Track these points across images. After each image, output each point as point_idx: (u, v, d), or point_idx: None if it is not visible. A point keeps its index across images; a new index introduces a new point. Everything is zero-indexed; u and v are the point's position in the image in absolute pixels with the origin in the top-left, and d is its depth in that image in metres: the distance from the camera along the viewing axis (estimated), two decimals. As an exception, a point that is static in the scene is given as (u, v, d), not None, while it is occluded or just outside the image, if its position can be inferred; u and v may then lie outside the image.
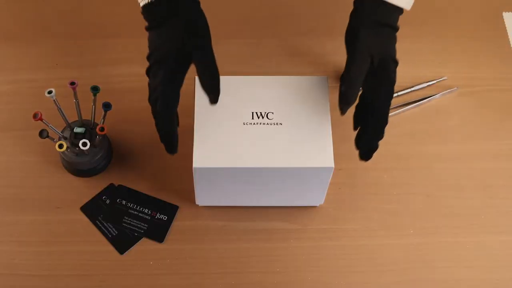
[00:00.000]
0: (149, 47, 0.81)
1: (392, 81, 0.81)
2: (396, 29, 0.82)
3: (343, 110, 0.80)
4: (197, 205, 0.93)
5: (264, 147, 0.81)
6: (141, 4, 0.79)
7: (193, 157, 0.80)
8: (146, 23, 0.81)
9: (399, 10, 0.82)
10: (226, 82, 0.83)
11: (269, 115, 0.83)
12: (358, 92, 0.81)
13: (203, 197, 0.89)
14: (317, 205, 0.92)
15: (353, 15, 0.83)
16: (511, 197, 0.96)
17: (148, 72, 0.81)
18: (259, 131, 0.82)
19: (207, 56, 0.79)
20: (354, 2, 0.83)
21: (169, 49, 0.78)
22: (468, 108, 1.03)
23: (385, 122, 0.81)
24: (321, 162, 0.81)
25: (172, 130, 0.80)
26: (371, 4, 0.81)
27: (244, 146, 0.81)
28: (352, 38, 0.82)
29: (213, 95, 0.79)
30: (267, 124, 0.82)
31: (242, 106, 0.84)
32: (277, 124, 0.82)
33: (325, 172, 0.82)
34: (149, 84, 0.81)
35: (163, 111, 0.79)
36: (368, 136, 0.81)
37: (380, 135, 0.81)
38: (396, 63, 0.82)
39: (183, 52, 0.78)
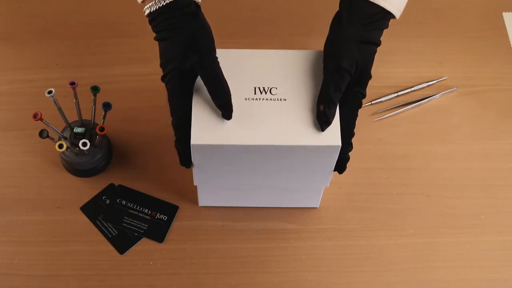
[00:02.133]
0: (159, 57, 0.79)
1: (363, 95, 0.80)
2: (379, 45, 0.80)
3: (323, 130, 0.76)
4: (197, 205, 0.92)
5: (267, 124, 0.76)
6: (145, 14, 0.78)
7: (191, 133, 0.76)
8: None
9: (386, 21, 0.79)
10: (227, 55, 0.79)
11: (273, 91, 0.78)
12: (336, 109, 0.77)
13: (200, 179, 0.85)
14: (322, 188, 0.88)
15: (336, 26, 0.79)
16: (511, 197, 0.96)
17: (162, 80, 0.79)
18: (261, 107, 0.77)
19: (210, 73, 0.77)
20: (341, 5, 0.79)
21: (172, 65, 0.77)
22: (468, 108, 1.03)
23: (352, 134, 0.80)
24: (328, 140, 0.76)
25: (185, 145, 0.78)
26: (359, 14, 0.77)
27: (245, 122, 0.76)
28: (333, 53, 0.78)
29: (224, 111, 0.76)
30: (270, 100, 0.78)
31: (244, 80, 0.79)
32: (281, 100, 0.78)
33: (331, 151, 0.77)
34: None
35: (174, 128, 0.79)
36: None
37: (348, 147, 0.80)
38: (371, 77, 0.80)
39: (185, 69, 0.77)
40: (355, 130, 0.81)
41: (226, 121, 0.76)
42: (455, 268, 0.90)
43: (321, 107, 0.76)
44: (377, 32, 0.79)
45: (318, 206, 0.93)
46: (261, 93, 0.78)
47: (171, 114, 0.79)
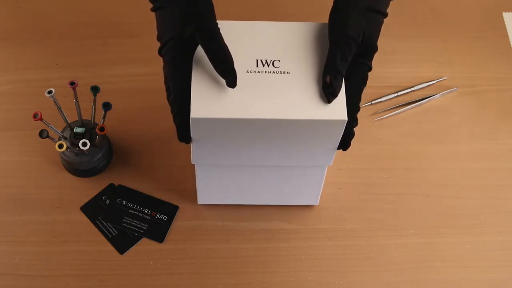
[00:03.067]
0: (157, 28, 0.76)
1: (370, 68, 0.77)
2: (386, 15, 0.77)
3: (329, 101, 0.74)
4: (197, 205, 0.93)
5: (270, 97, 0.73)
6: None
7: (191, 106, 0.73)
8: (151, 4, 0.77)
9: None
10: (228, 27, 0.76)
11: (275, 63, 0.75)
12: (343, 81, 0.75)
13: (199, 156, 0.82)
14: (325, 167, 0.86)
15: None
16: (511, 197, 0.96)
17: (159, 52, 0.76)
18: (264, 80, 0.74)
19: (211, 39, 0.73)
20: None
21: (170, 35, 0.73)
22: (468, 108, 1.03)
23: (357, 109, 0.77)
24: (333, 115, 0.73)
25: (184, 119, 0.75)
26: None
27: (247, 96, 0.73)
28: (339, 22, 0.75)
29: (228, 78, 0.73)
30: (273, 72, 0.75)
31: (246, 53, 0.76)
32: (284, 73, 0.75)
33: (336, 125, 0.74)
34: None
35: (171, 102, 0.76)
36: None
37: (353, 122, 0.77)
38: (377, 49, 0.77)
39: (184, 38, 0.73)
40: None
41: (226, 94, 0.74)
42: (455, 268, 0.90)
43: (328, 79, 0.74)
44: (383, 1, 0.77)
45: (317, 204, 0.93)
46: (263, 65, 0.75)
47: (168, 89, 0.76)
